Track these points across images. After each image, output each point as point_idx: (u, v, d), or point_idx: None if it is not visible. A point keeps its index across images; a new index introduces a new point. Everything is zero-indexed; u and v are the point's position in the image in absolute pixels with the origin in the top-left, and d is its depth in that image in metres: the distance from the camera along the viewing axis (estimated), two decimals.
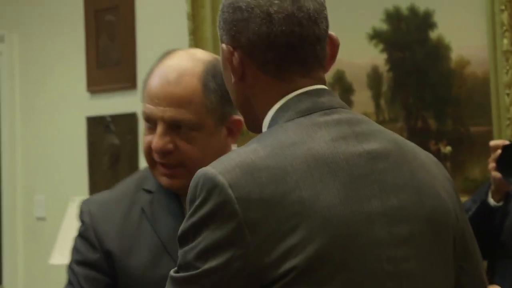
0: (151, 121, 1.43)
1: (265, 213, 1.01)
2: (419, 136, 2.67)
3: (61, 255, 3.34)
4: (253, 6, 1.12)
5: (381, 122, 2.53)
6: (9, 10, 4.17)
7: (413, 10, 2.69)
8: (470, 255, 1.19)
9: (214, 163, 1.07)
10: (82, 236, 1.58)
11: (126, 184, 1.62)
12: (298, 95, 1.14)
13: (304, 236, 1.00)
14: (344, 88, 2.80)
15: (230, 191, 1.01)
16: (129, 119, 3.61)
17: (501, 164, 2.07)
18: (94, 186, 3.71)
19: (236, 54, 1.13)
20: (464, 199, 2.22)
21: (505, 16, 2.42)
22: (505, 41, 2.42)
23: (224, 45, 1.15)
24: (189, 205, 1.06)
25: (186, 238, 1.05)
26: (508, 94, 2.43)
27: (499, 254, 2.13)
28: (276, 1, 1.12)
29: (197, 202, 1.03)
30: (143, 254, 1.52)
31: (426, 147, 2.61)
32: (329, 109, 1.12)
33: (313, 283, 0.99)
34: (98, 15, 3.71)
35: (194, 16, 3.24)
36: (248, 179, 1.03)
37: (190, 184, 1.06)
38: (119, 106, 3.62)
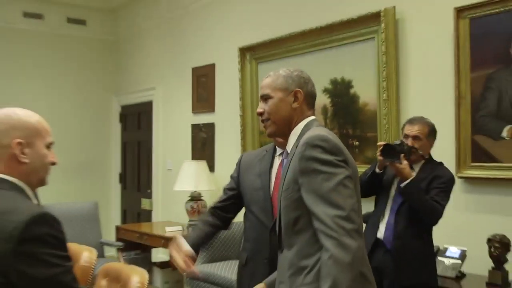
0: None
1: (347, 155, 1.40)
2: (344, 137, 3.38)
3: (180, 186, 4.40)
4: (308, 79, 1.55)
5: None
6: (156, 71, 5.27)
7: (343, 79, 3.51)
8: None
9: (312, 132, 1.40)
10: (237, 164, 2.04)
11: (271, 143, 1.83)
12: (313, 119, 1.56)
13: (352, 171, 1.40)
14: None
15: (336, 141, 1.37)
16: (210, 126, 4.56)
17: (383, 152, 2.46)
18: (194, 156, 4.81)
19: (302, 94, 1.52)
20: (365, 166, 3.03)
21: (382, 85, 3.21)
22: (384, 94, 3.20)
23: (298, 89, 1.51)
24: (303, 149, 1.33)
25: (320, 170, 1.32)
26: (384, 119, 3.21)
27: (379, 193, 2.69)
28: (311, 81, 1.56)
29: (323, 154, 1.31)
30: (252, 177, 1.91)
31: (348, 143, 3.47)
32: (322, 126, 1.51)
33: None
34: (198, 78, 4.69)
35: (242, 81, 4.26)
36: (335, 139, 1.37)
37: (304, 142, 1.34)
38: (206, 119, 4.63)
